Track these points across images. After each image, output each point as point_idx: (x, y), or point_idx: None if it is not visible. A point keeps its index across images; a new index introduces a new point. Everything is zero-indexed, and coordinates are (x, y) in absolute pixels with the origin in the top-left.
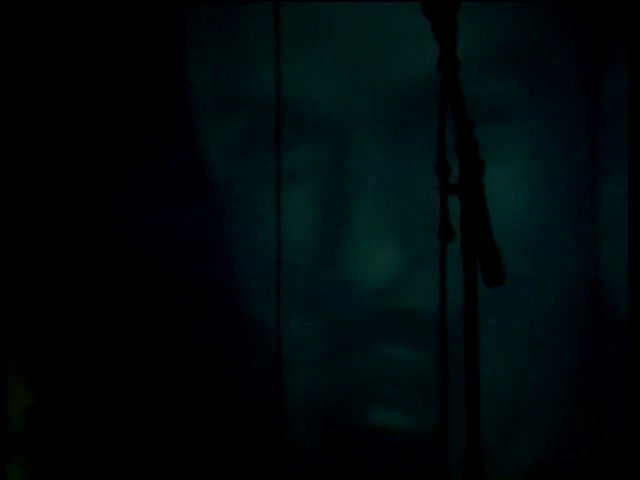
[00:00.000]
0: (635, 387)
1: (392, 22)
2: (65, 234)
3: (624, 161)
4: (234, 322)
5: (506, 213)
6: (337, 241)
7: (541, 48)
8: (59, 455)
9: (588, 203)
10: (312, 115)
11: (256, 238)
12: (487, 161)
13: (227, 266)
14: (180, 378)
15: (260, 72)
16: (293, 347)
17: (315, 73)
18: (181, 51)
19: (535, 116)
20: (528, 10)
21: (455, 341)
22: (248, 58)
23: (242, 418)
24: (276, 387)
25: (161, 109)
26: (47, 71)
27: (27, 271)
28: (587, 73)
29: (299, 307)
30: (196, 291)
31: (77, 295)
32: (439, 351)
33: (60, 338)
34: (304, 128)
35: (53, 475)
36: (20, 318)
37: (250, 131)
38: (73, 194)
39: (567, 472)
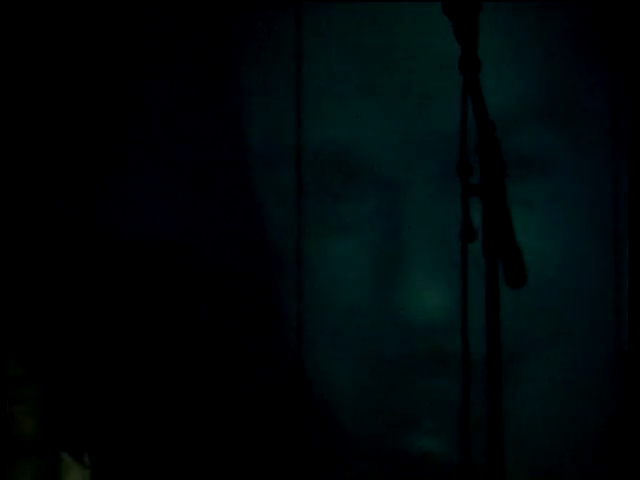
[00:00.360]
0: None
1: (441, 71)
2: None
3: None
4: (283, 361)
5: (541, 263)
6: (390, 286)
7: (577, 104)
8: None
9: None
10: (364, 165)
11: (303, 285)
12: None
13: (275, 311)
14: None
15: (309, 121)
16: (345, 381)
17: (366, 123)
18: (238, 98)
19: (570, 170)
20: (566, 68)
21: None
22: (295, 106)
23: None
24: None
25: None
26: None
27: (33, 267)
28: (619, 131)
29: (354, 346)
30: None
31: (85, 297)
32: (462, 358)
33: (69, 337)
34: (356, 178)
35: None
36: (26, 317)
37: (301, 180)
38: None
39: None
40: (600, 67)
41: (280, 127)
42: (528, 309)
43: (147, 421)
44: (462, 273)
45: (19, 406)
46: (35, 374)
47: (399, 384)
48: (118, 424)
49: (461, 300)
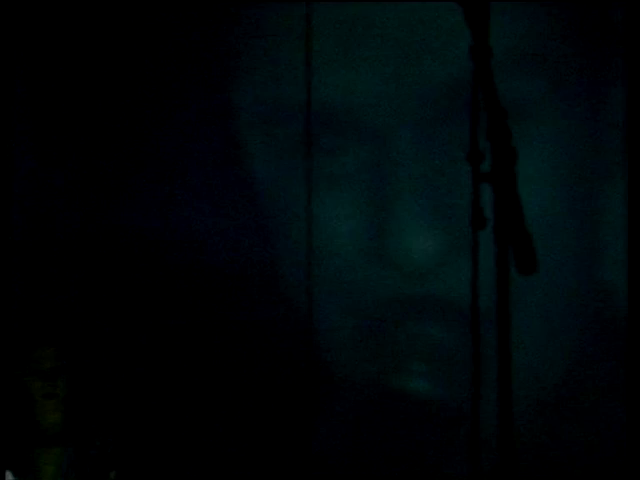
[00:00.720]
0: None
1: (426, 23)
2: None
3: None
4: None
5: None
6: (378, 231)
7: (557, 54)
8: (95, 446)
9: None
10: (352, 119)
11: (296, 232)
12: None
13: (268, 257)
14: (219, 356)
15: (300, 79)
16: (336, 323)
17: (352, 78)
18: (223, 59)
19: (553, 116)
20: (548, 20)
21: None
22: (286, 65)
23: (279, 391)
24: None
25: (204, 113)
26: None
27: (73, 264)
28: (594, 81)
29: (344, 290)
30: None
31: (116, 287)
32: (471, 336)
33: (99, 331)
34: (344, 132)
35: (87, 466)
36: (65, 312)
37: (293, 136)
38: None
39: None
40: (582, 28)
41: (275, 88)
42: None
43: (170, 405)
44: (472, 258)
45: (50, 400)
46: (69, 369)
47: (391, 327)
48: (139, 408)
49: (471, 283)
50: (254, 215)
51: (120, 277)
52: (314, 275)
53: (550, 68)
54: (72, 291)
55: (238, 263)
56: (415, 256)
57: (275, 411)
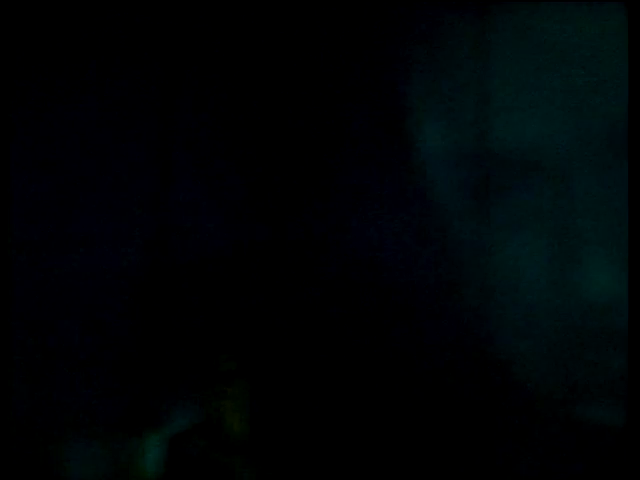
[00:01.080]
0: None
1: (602, 62)
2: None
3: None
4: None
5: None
6: (564, 265)
7: None
8: (278, 455)
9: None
10: (529, 155)
11: (476, 263)
12: None
13: (451, 283)
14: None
15: (480, 123)
16: (520, 349)
17: (527, 115)
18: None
19: None
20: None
21: None
22: (464, 110)
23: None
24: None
25: (392, 147)
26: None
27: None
28: None
29: (524, 318)
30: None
31: (296, 300)
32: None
33: (279, 341)
34: (522, 169)
35: (274, 474)
36: (239, 321)
37: (472, 174)
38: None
39: None
40: None
41: (455, 125)
42: None
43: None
44: None
45: (225, 400)
46: (246, 372)
47: (572, 355)
48: (324, 416)
49: None
50: (439, 244)
51: (300, 290)
52: (496, 302)
53: None
54: (254, 303)
55: (419, 285)
56: (594, 288)
57: (457, 427)
